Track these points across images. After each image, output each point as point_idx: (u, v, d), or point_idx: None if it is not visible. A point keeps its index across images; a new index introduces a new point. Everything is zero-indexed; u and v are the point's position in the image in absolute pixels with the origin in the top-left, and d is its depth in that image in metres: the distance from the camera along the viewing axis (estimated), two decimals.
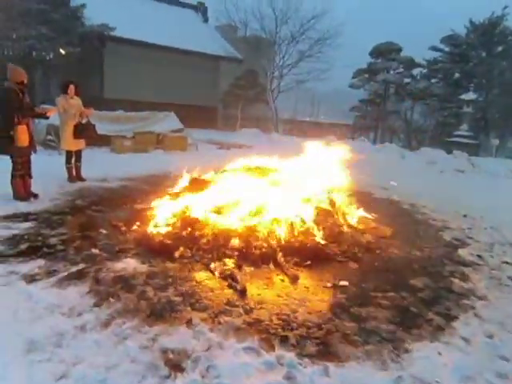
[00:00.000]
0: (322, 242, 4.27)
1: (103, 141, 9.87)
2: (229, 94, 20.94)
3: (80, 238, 4.18)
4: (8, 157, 5.20)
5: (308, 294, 3.31)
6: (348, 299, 3.27)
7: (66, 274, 3.28)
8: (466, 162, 10.94)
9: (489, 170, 10.47)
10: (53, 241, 4.02)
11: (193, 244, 4.02)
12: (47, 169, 6.58)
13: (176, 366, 2.27)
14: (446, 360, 2.57)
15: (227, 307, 2.97)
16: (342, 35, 21.36)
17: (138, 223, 4.58)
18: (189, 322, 2.72)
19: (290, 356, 2.45)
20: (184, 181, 5.38)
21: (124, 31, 15.89)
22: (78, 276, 3.26)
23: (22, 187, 5.31)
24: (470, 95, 14.32)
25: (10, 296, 2.86)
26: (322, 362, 2.43)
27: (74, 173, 6.73)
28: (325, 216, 4.77)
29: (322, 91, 36.44)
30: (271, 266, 3.78)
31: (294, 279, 3.55)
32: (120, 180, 7.14)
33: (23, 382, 2.05)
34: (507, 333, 2.95)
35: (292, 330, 2.74)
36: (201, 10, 23.28)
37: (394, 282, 3.71)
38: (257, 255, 3.89)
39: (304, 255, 3.99)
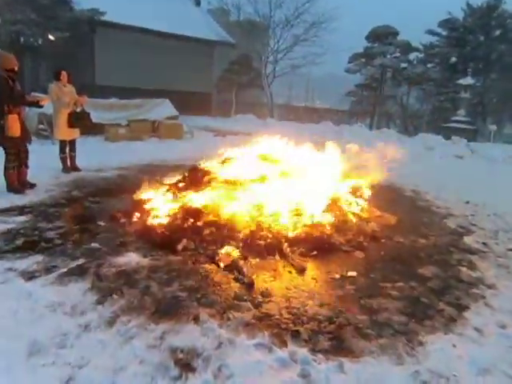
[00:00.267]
0: (327, 231, 4.19)
1: (97, 129, 9.66)
2: (223, 79, 20.63)
3: (78, 231, 4.05)
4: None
5: (316, 286, 3.23)
6: (357, 290, 3.20)
7: (65, 269, 3.17)
8: (464, 147, 10.87)
9: (487, 155, 10.42)
10: (50, 235, 3.90)
11: (196, 235, 3.91)
12: (40, 159, 6.40)
13: (186, 366, 2.18)
14: (461, 352, 2.51)
15: (235, 301, 2.88)
16: (338, 19, 21.05)
17: (137, 215, 4.46)
18: (196, 319, 2.63)
19: (303, 352, 2.38)
20: (183, 170, 5.25)
21: (114, 16, 15.48)
22: (79, 272, 3.15)
23: (15, 179, 5.15)
24: (468, 80, 14.18)
25: (9, 295, 2.74)
26: (336, 358, 2.36)
27: (69, 163, 6.56)
28: (329, 205, 4.68)
29: (317, 76, 36.06)
30: (277, 256, 3.69)
31: (301, 270, 3.47)
32: (116, 169, 6.98)
33: None
34: None
35: (303, 324, 2.67)
36: None
37: (402, 271, 3.64)
38: (262, 246, 3.79)
39: (310, 245, 3.91)
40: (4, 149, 5.03)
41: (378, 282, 3.37)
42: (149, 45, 17.30)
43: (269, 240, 3.86)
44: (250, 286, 3.12)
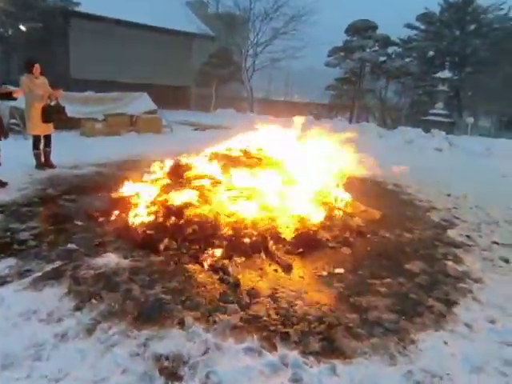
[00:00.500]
0: (313, 227, 4.11)
1: (72, 124, 9.32)
2: (202, 72, 20.32)
3: (54, 231, 3.84)
4: None
5: (304, 285, 3.15)
6: (346, 288, 3.14)
7: (40, 273, 2.98)
8: (443, 140, 11.01)
9: (465, 148, 10.58)
10: (23, 236, 3.68)
11: (178, 234, 3.77)
12: (12, 155, 6.07)
13: (173, 375, 2.07)
14: (453, 350, 2.48)
15: (221, 303, 2.77)
16: (318, 12, 20.96)
17: (116, 213, 4.28)
18: (181, 323, 2.51)
19: (293, 355, 2.30)
20: (163, 166, 5.09)
21: (89, 7, 14.95)
22: (55, 275, 2.97)
23: None
24: (446, 73, 14.36)
25: None
26: (328, 360, 2.28)
27: (43, 159, 6.28)
28: (313, 200, 4.61)
29: (297, 70, 35.99)
30: (262, 255, 3.59)
31: (288, 269, 3.38)
32: (93, 166, 6.72)
33: None
34: (508, 317, 2.89)
35: (292, 325, 2.58)
36: None
37: (389, 267, 3.61)
38: (247, 244, 3.68)
39: (295, 242, 3.82)
40: None
41: (366, 279, 3.32)
42: (126, 37, 16.85)
43: (254, 238, 3.76)
44: (235, 286, 3.02)
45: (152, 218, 4.03)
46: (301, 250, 3.73)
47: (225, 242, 3.69)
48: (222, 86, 21.52)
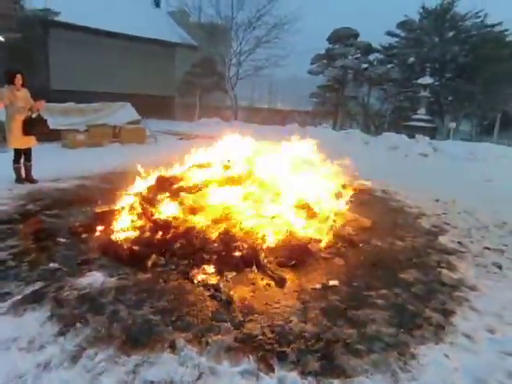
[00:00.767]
0: (304, 237, 4.03)
1: (54, 135, 9.06)
2: (185, 82, 20.19)
3: (34, 250, 3.66)
4: None
5: (298, 299, 3.05)
6: (341, 301, 3.05)
7: (20, 297, 2.81)
8: (427, 145, 11.11)
9: (449, 153, 10.69)
10: (2, 256, 3.48)
11: (166, 250, 3.63)
12: None
13: None
14: (456, 363, 2.41)
15: (214, 323, 2.65)
16: (300, 20, 21.09)
17: (100, 228, 4.12)
18: (172, 346, 2.38)
19: (292, 376, 2.19)
20: (148, 178, 4.94)
21: (70, 17, 14.71)
22: (36, 298, 2.80)
23: None
24: (427, 79, 14.57)
25: None
26: (328, 380, 2.18)
27: (24, 173, 6.06)
28: (302, 208, 4.53)
29: (280, 78, 36.16)
30: (254, 268, 3.48)
31: (282, 282, 3.28)
32: (76, 179, 6.52)
33: None
34: (507, 326, 2.84)
35: (289, 343, 2.47)
36: None
37: (384, 277, 3.53)
38: (237, 258, 3.57)
39: (287, 254, 3.73)
40: None
41: (362, 291, 3.24)
42: (107, 47, 16.64)
43: (244, 251, 3.65)
44: (228, 303, 2.90)
45: (138, 232, 3.90)
46: (293, 262, 3.63)
47: (214, 257, 3.57)
48: (206, 95, 21.41)
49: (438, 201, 6.33)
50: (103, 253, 3.63)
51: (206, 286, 3.11)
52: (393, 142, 11.49)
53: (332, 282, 3.34)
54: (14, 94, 5.74)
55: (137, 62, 18.03)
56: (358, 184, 7.30)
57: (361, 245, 4.24)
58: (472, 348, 2.58)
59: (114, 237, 3.84)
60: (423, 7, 18.05)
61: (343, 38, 18.55)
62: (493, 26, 16.61)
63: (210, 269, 3.38)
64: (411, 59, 17.91)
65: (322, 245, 4.03)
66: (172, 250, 3.64)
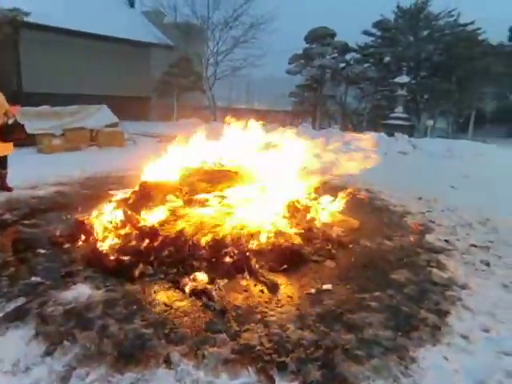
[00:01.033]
0: (294, 240, 3.97)
1: (28, 140, 8.73)
2: (163, 82, 19.90)
3: (14, 263, 3.47)
4: None
5: (293, 305, 2.99)
6: (337, 305, 3.01)
7: (1, 314, 2.65)
8: (407, 143, 11.28)
9: (428, 150, 10.88)
10: None
11: (153, 258, 3.51)
12: None
13: None
14: (455, 365, 2.40)
15: (209, 334, 2.56)
16: (277, 20, 21.08)
17: (83, 238, 3.96)
18: (167, 361, 2.28)
19: None
20: (132, 182, 4.80)
21: (41, 17, 14.23)
22: (19, 315, 2.65)
23: None
24: (404, 78, 14.81)
25: None
26: None
27: None
28: (291, 212, 4.49)
29: (257, 78, 36.18)
30: (246, 275, 3.41)
31: (275, 288, 3.21)
32: (54, 185, 6.27)
33: None
34: (501, 324, 2.86)
35: (288, 353, 2.41)
36: None
37: (376, 278, 3.52)
38: (228, 264, 3.49)
39: (278, 258, 3.67)
40: None
41: (356, 294, 3.21)
42: (81, 48, 16.20)
43: (235, 257, 3.57)
44: (222, 313, 2.81)
45: (123, 241, 3.76)
46: (285, 266, 3.58)
47: (204, 264, 3.49)
48: (184, 96, 21.16)
49: (420, 198, 6.40)
50: (88, 264, 3.48)
51: (197, 295, 3.02)
52: (373, 141, 11.60)
53: (325, 286, 3.30)
54: None
55: (112, 63, 17.66)
56: (341, 183, 7.32)
57: (350, 246, 4.23)
58: (469, 349, 2.58)
59: (98, 246, 3.69)
60: (398, 7, 18.33)
61: (320, 37, 18.63)
62: (465, 25, 17.01)
63: (201, 276, 3.28)
64: (387, 58, 18.17)
65: (313, 247, 3.98)
66: (160, 258, 3.52)
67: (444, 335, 2.70)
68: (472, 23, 16.88)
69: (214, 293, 3.04)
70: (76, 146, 9.76)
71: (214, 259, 3.51)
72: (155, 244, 3.66)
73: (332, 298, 3.11)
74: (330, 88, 20.01)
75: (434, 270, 3.72)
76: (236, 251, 3.60)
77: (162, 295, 3.04)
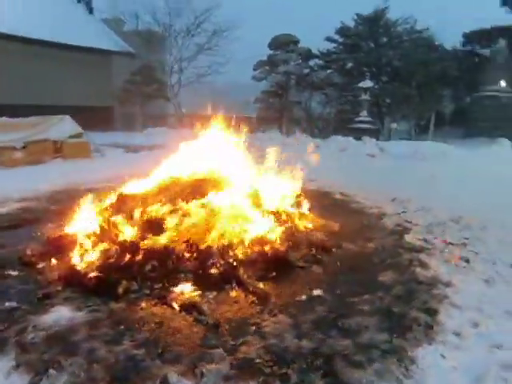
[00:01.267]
0: (279, 247, 3.93)
1: None
2: (125, 90, 19.51)
3: None
4: None
5: (286, 314, 2.93)
6: (329, 311, 2.98)
7: None
8: (374, 146, 11.58)
9: (394, 152, 11.21)
10: None
11: (137, 273, 3.36)
12: None
13: None
14: (453, 362, 2.42)
15: (205, 350, 2.45)
16: (239, 28, 21.26)
17: (58, 256, 3.74)
18: (165, 382, 2.16)
19: None
20: (103, 194, 4.60)
21: None
22: None
23: None
24: (367, 83, 15.26)
25: None
26: None
27: None
28: (270, 215, 4.45)
29: (221, 84, 36.26)
30: (235, 285, 3.32)
31: (265, 298, 3.15)
32: (19, 201, 5.93)
33: None
34: (488, 319, 2.92)
35: (288, 363, 2.35)
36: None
37: (364, 281, 3.53)
38: (216, 275, 3.40)
39: (266, 266, 3.61)
40: None
41: (346, 298, 3.20)
42: (38, 56, 15.63)
43: (221, 267, 3.48)
44: (215, 326, 2.71)
45: (102, 257, 3.58)
46: (273, 273, 3.53)
47: (190, 276, 3.38)
48: (148, 104, 20.84)
49: (394, 200, 6.54)
50: (66, 283, 3.27)
51: (187, 309, 2.90)
52: (341, 145, 11.84)
53: (316, 292, 3.27)
54: None
55: (71, 72, 17.14)
56: (316, 187, 7.39)
57: (334, 250, 4.24)
58: (463, 345, 2.61)
59: (75, 264, 3.49)
60: (357, 14, 18.91)
61: (284, 44, 18.92)
62: (421, 31, 17.78)
63: (189, 290, 3.18)
64: (350, 64, 18.68)
65: (298, 253, 3.95)
66: (143, 272, 3.38)
67: (437, 333, 2.73)
68: (427, 29, 17.68)
69: (204, 306, 2.94)
70: (39, 159, 9.33)
71: (200, 271, 3.42)
72: (137, 259, 3.51)
73: (323, 304, 3.08)
74: (295, 94, 20.31)
75: (418, 269, 3.78)
76: (222, 262, 3.52)
77: (150, 312, 2.90)
